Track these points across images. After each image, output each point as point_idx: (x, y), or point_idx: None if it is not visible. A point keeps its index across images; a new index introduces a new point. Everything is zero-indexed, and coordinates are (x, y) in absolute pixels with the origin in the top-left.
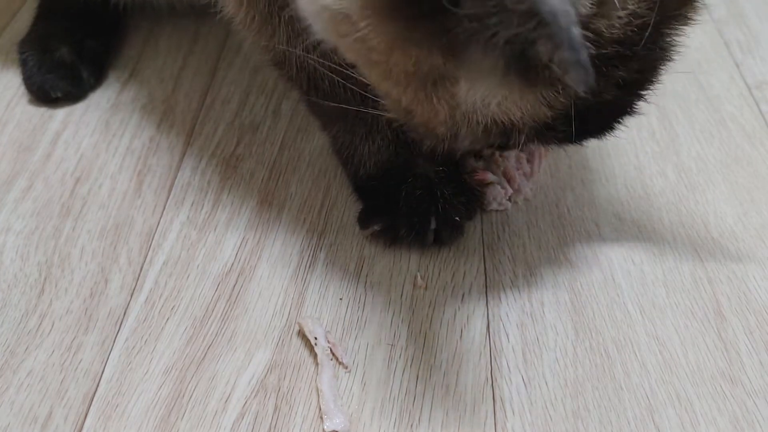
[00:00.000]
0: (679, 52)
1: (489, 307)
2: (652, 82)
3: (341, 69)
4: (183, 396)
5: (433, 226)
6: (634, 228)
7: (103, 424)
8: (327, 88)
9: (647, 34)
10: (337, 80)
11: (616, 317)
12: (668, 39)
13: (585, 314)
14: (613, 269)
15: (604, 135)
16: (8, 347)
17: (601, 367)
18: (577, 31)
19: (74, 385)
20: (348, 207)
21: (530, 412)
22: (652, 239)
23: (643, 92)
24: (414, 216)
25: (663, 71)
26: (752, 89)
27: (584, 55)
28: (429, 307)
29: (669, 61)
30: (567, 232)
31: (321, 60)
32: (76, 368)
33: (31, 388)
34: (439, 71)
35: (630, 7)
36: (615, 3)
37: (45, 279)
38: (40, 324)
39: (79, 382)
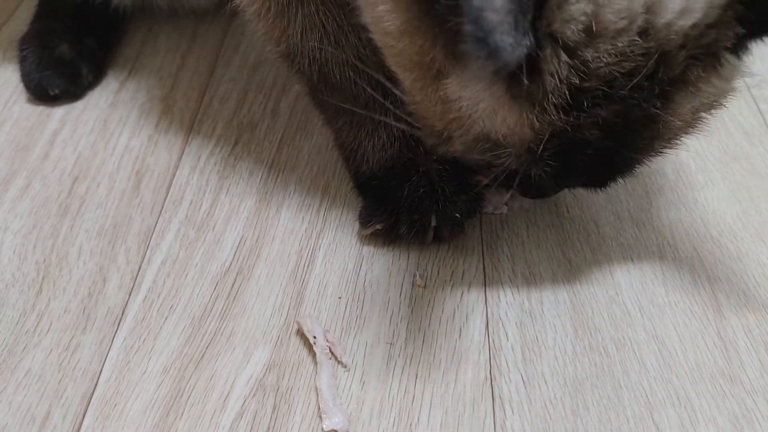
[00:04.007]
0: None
1: (488, 306)
2: (639, 137)
3: (358, 64)
4: (182, 395)
5: (433, 223)
6: (633, 227)
7: (101, 424)
8: (338, 82)
9: (638, 82)
10: (349, 74)
11: (615, 316)
12: (672, 104)
13: (584, 313)
14: (612, 268)
15: (595, 187)
16: (6, 347)
17: (601, 366)
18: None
19: (72, 384)
20: (347, 205)
21: (529, 410)
22: (651, 238)
23: (631, 144)
24: (415, 213)
25: (661, 134)
26: (751, 88)
27: (488, 28)
28: (428, 305)
29: (670, 127)
30: (566, 230)
31: (335, 53)
32: (74, 368)
33: (29, 387)
34: (438, 65)
35: (620, 45)
36: (603, 36)
37: (43, 278)
38: (38, 323)
39: (77, 382)
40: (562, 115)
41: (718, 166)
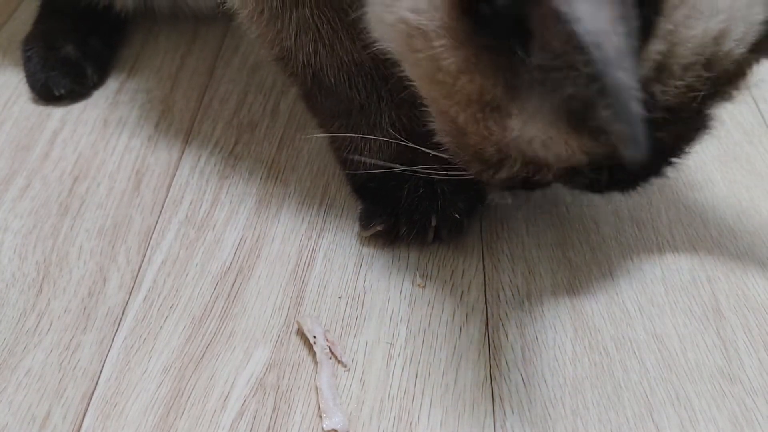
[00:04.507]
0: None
1: (488, 305)
2: (685, 150)
3: (353, 69)
4: (182, 395)
5: (433, 223)
6: (633, 226)
7: (101, 424)
8: (332, 86)
9: (695, 104)
10: (343, 78)
11: (614, 315)
12: (710, 111)
13: (584, 312)
14: (611, 267)
15: (627, 191)
16: (6, 346)
17: (600, 366)
18: (636, 107)
19: (72, 384)
20: (347, 205)
21: (529, 410)
22: (650, 237)
23: (675, 158)
24: (415, 214)
25: (699, 141)
26: (750, 87)
27: (640, 131)
28: (428, 305)
29: (707, 131)
30: (566, 230)
31: (330, 57)
32: (75, 367)
33: (30, 387)
34: (499, 102)
35: (688, 79)
36: (674, 72)
37: (43, 278)
38: (39, 323)
39: (77, 382)
40: None
41: (718, 165)
